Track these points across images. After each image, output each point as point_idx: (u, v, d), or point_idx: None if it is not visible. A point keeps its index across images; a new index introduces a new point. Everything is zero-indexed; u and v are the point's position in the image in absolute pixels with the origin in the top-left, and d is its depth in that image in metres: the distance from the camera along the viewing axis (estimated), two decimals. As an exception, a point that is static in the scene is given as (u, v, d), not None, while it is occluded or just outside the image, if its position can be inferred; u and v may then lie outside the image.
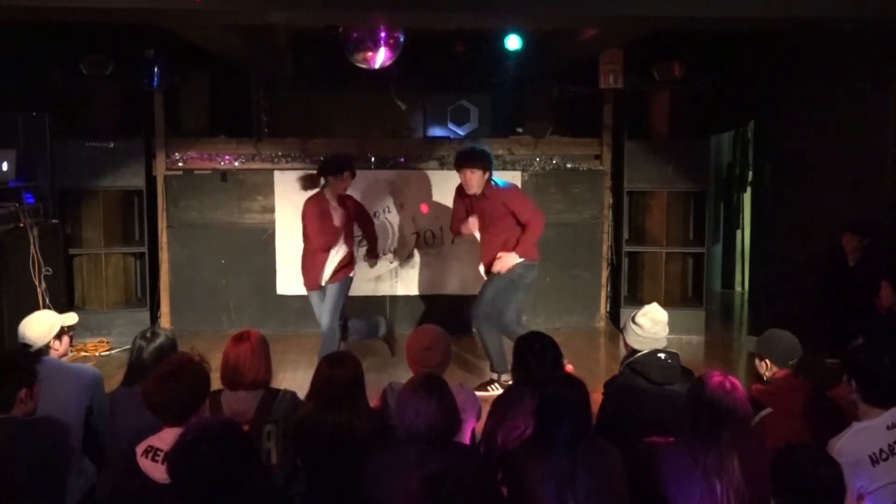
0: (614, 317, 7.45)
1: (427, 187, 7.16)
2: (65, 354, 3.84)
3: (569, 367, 5.77)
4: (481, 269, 5.80)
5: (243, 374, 3.35)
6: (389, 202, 7.15)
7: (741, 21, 5.23)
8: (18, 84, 6.52)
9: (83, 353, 6.41)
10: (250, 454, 2.51)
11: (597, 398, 3.65)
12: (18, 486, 2.76)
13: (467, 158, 5.50)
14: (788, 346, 3.62)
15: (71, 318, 3.94)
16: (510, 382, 5.84)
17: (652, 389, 3.54)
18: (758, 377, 3.80)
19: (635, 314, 3.82)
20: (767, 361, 3.63)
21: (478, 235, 5.75)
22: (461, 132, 7.75)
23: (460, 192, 5.75)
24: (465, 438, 3.42)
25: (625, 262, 7.43)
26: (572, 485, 2.67)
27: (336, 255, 5.72)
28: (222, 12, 5.00)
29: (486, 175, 5.50)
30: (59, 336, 3.74)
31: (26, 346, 3.65)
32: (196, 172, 7.12)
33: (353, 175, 5.83)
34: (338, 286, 5.75)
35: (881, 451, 2.92)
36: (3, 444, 2.81)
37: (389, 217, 7.15)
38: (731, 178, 9.13)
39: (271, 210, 7.09)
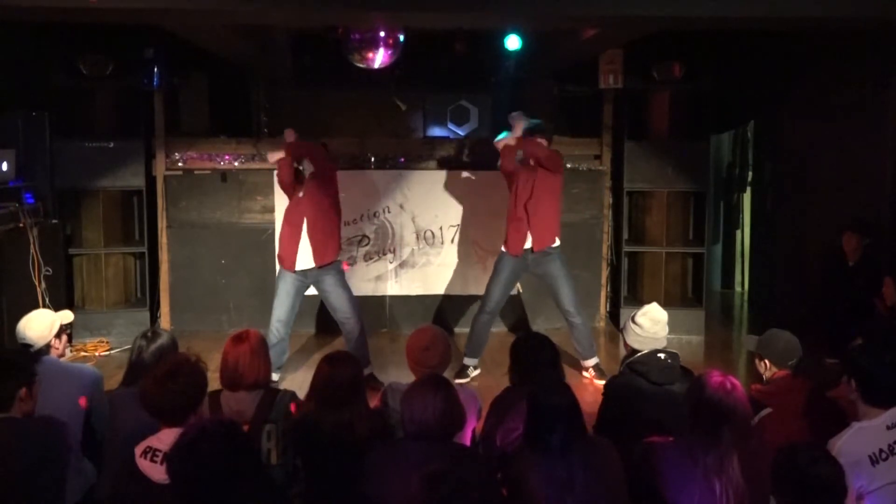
0: (614, 317, 7.45)
1: (427, 187, 7.15)
2: (63, 353, 3.84)
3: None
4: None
5: (243, 375, 3.35)
6: (389, 202, 7.14)
7: (741, 21, 5.23)
8: (18, 84, 6.52)
9: (83, 353, 6.40)
10: (250, 454, 2.51)
11: (596, 397, 3.66)
12: (18, 486, 2.77)
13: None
14: (788, 346, 3.61)
15: (67, 315, 3.94)
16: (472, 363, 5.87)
17: (652, 389, 3.54)
18: (758, 377, 3.80)
19: (635, 314, 3.82)
20: (767, 361, 3.62)
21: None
22: (461, 132, 7.75)
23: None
24: (466, 439, 3.42)
25: (625, 262, 7.42)
26: (571, 485, 2.68)
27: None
28: (222, 12, 4.99)
29: None
30: (58, 335, 3.75)
31: (26, 345, 3.66)
32: (196, 172, 7.11)
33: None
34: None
35: (881, 451, 2.92)
36: (2, 444, 2.81)
37: (389, 217, 7.14)
38: (731, 178, 9.12)
39: (271, 210, 7.08)
